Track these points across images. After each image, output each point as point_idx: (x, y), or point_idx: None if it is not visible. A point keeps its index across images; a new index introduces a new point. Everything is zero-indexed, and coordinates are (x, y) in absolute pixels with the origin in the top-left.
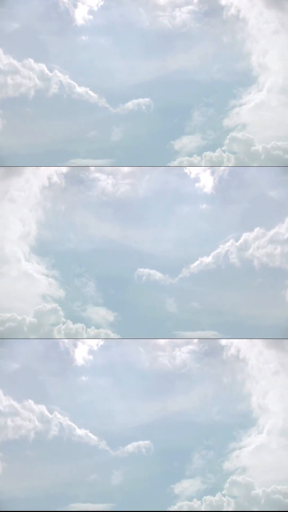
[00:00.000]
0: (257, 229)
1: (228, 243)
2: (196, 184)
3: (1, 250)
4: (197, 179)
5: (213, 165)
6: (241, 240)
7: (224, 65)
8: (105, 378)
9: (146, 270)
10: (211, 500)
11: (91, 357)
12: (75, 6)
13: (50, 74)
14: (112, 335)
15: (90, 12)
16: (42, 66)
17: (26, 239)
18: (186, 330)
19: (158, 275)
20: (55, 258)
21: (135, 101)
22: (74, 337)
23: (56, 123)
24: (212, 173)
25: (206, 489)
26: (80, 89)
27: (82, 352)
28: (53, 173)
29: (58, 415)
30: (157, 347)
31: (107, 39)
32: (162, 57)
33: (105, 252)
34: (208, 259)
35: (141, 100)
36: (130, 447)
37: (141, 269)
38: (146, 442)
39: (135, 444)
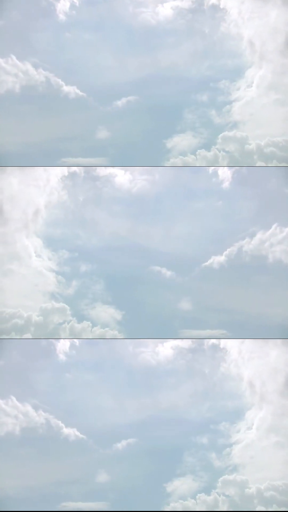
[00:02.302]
0: (274, 226)
1: (243, 241)
2: (213, 180)
3: (13, 246)
4: (214, 175)
5: (208, 163)
6: (256, 238)
7: (213, 62)
8: (91, 374)
9: (157, 268)
10: (205, 499)
11: (74, 352)
12: (58, 0)
13: (35, 72)
14: (119, 335)
15: (73, 7)
16: (27, 64)
17: (37, 236)
18: (195, 329)
19: (169, 273)
20: (65, 255)
21: (124, 99)
22: (79, 335)
23: (44, 121)
24: (229, 169)
25: (198, 488)
26: (67, 88)
27: (64, 348)
28: (68, 168)
29: (44, 413)
30: (141, 343)
31: (94, 36)
32: (151, 54)
33: (116, 250)
34: (221, 258)
35: (130, 98)
36: (119, 445)
37: (152, 267)
38: (135, 439)
39: (124, 442)
